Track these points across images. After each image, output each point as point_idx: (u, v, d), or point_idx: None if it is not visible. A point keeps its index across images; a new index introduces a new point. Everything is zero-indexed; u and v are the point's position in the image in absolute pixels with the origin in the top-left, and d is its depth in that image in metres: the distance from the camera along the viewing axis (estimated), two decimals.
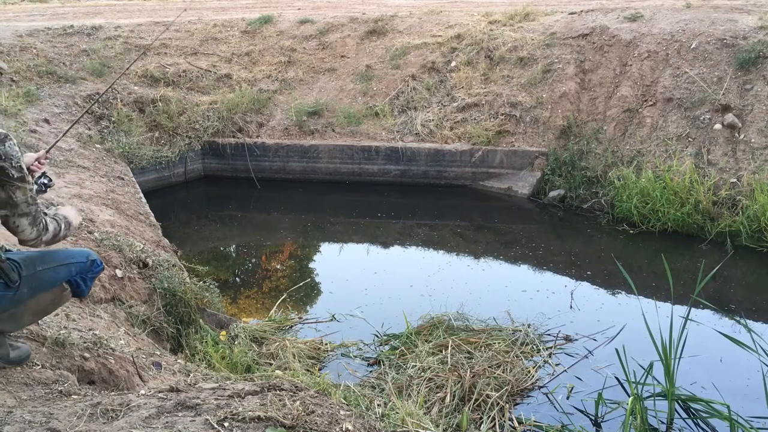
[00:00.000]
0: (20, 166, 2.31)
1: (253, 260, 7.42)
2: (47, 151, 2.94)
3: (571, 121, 8.69)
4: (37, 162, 2.80)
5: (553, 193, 8.26)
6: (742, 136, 7.48)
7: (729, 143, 7.53)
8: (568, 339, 5.01)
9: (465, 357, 4.52)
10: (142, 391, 2.85)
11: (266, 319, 5.35)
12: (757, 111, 7.53)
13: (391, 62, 10.25)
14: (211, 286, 5.09)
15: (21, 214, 2.34)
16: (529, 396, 4.27)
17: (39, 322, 3.14)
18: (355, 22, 11.39)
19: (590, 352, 4.84)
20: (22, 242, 2.44)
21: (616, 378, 4.39)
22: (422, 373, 4.30)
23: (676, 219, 7.03)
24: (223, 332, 4.69)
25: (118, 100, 9.06)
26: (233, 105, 9.65)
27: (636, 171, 7.62)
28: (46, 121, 7.87)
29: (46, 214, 2.58)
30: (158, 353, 3.77)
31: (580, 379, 4.50)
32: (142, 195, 7.00)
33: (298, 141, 9.43)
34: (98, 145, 8.04)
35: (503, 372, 4.34)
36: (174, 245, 5.81)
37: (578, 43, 9.31)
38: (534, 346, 4.79)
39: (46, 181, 2.77)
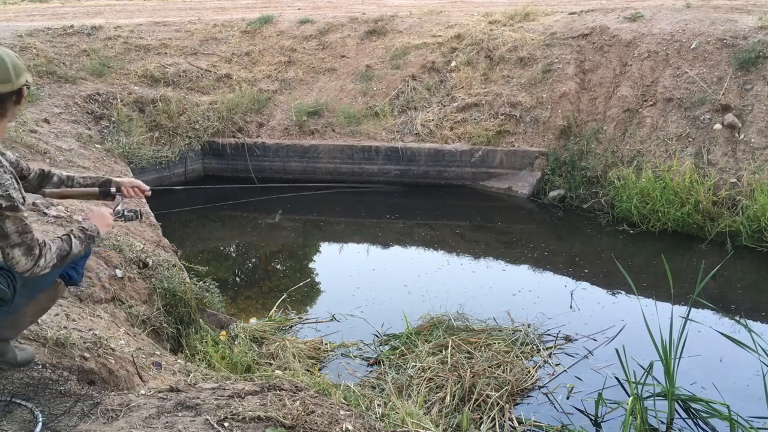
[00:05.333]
0: (9, 194, 2.19)
1: (253, 260, 7.42)
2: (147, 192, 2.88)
3: (571, 121, 8.69)
4: (133, 188, 2.77)
5: (553, 193, 8.26)
6: (742, 136, 7.48)
7: (729, 143, 7.53)
8: (568, 339, 5.00)
9: (465, 357, 4.52)
10: (142, 391, 2.85)
11: (266, 319, 5.35)
12: (757, 111, 7.53)
13: (391, 62, 10.25)
14: (211, 286, 5.09)
15: (13, 245, 2.22)
16: (529, 396, 4.27)
17: (39, 321, 3.14)
18: (355, 22, 11.39)
19: (590, 352, 4.84)
20: (19, 273, 2.32)
21: (616, 378, 4.39)
22: (422, 373, 4.30)
23: (676, 219, 7.03)
24: (223, 332, 4.69)
25: (118, 100, 9.06)
26: (233, 105, 9.65)
27: (636, 171, 7.62)
28: (46, 121, 7.87)
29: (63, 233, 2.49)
30: (158, 353, 3.77)
31: (580, 379, 4.50)
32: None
33: (298, 141, 9.43)
34: (98, 145, 8.04)
35: (503, 372, 4.34)
36: (174, 245, 5.81)
37: (578, 43, 9.31)
38: (534, 346, 4.79)
39: (131, 215, 2.72)
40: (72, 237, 2.43)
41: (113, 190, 2.79)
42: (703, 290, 4.23)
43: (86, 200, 2.95)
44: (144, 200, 3.10)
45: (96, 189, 2.81)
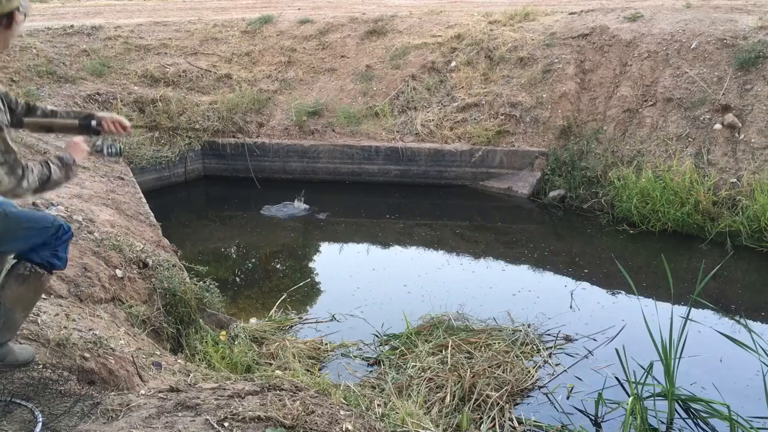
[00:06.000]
0: None
1: (253, 260, 7.42)
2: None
3: (571, 121, 8.69)
4: (114, 123, 2.70)
5: (553, 193, 8.26)
6: (742, 136, 7.48)
7: (729, 143, 7.53)
8: (568, 339, 5.00)
9: (465, 357, 4.52)
10: (142, 391, 2.85)
11: (266, 319, 5.35)
12: (757, 111, 7.53)
13: (391, 62, 10.25)
14: (211, 286, 5.09)
15: None
16: (529, 396, 4.27)
17: (39, 322, 3.14)
18: (355, 22, 11.39)
19: (590, 352, 4.84)
20: (2, 194, 2.28)
21: (616, 378, 4.39)
22: (422, 373, 4.30)
23: (676, 219, 7.03)
24: (223, 332, 4.68)
25: (118, 100, 9.07)
26: (233, 105, 9.65)
27: (636, 171, 7.62)
28: None
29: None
30: (158, 353, 3.77)
31: (580, 379, 4.50)
32: (142, 195, 7.00)
33: (298, 141, 9.43)
34: None
35: (503, 372, 4.34)
36: (174, 245, 5.81)
37: (578, 43, 9.31)
38: (534, 346, 4.79)
39: (112, 151, 2.63)
40: (50, 163, 2.40)
41: (94, 123, 2.74)
42: (703, 290, 4.23)
43: (66, 134, 2.91)
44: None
45: (76, 122, 2.77)
